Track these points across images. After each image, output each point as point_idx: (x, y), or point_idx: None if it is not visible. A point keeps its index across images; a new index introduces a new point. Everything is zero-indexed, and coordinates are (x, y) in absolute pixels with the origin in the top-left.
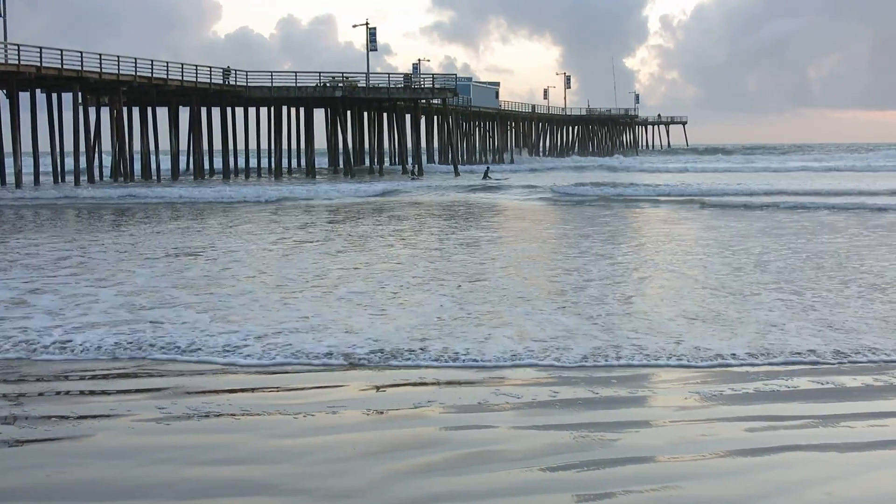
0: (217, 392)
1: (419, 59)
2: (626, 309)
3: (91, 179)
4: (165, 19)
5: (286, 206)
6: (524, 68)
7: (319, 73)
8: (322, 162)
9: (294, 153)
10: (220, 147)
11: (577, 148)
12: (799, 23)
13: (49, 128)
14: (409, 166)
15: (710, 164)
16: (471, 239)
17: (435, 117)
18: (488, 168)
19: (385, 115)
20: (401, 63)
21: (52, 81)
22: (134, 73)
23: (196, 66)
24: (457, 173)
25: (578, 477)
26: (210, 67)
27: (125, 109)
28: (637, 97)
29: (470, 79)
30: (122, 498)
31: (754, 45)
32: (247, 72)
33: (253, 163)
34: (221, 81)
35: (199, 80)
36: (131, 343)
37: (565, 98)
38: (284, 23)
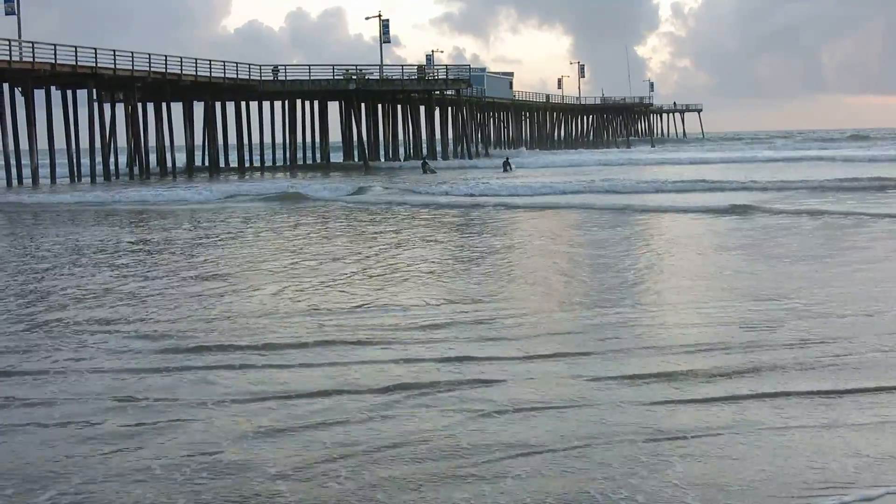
0: None
1: (432, 51)
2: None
3: (107, 177)
4: (175, 15)
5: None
6: (534, 58)
7: (333, 66)
8: (337, 156)
9: (309, 147)
10: (234, 142)
11: (592, 137)
12: (811, 8)
13: (64, 125)
14: (423, 158)
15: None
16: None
17: (449, 108)
18: (506, 159)
19: (399, 107)
20: (410, 55)
21: (67, 78)
22: (148, 69)
23: (210, 60)
24: (470, 156)
25: None
26: (224, 62)
27: (140, 105)
28: (652, 85)
29: (484, 69)
30: None
31: (766, 31)
32: (260, 66)
33: (269, 157)
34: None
35: (213, 74)
36: None
37: (579, 87)
38: (294, 16)
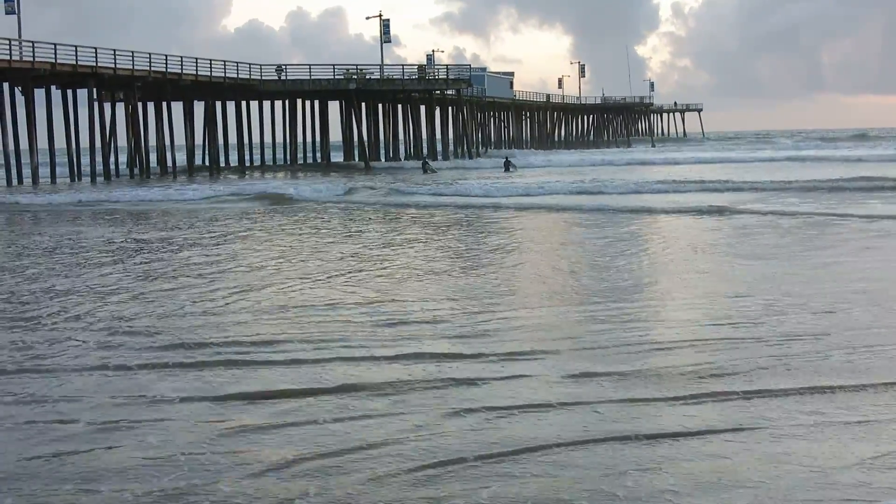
0: None
1: (433, 51)
2: None
3: (107, 177)
4: (175, 14)
5: None
6: (534, 58)
7: (334, 65)
8: (338, 155)
9: (309, 146)
10: (235, 141)
11: (592, 137)
12: (811, 8)
13: (64, 124)
14: (423, 158)
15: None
16: None
17: (449, 108)
18: (507, 159)
19: (400, 106)
20: (410, 54)
21: (67, 78)
22: (148, 69)
23: (210, 60)
24: (471, 156)
25: None
26: (224, 62)
27: (140, 105)
28: (652, 85)
29: (484, 69)
30: None
31: (767, 31)
32: (261, 65)
33: (269, 157)
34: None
35: (213, 74)
36: None
37: (580, 87)
38: (294, 15)
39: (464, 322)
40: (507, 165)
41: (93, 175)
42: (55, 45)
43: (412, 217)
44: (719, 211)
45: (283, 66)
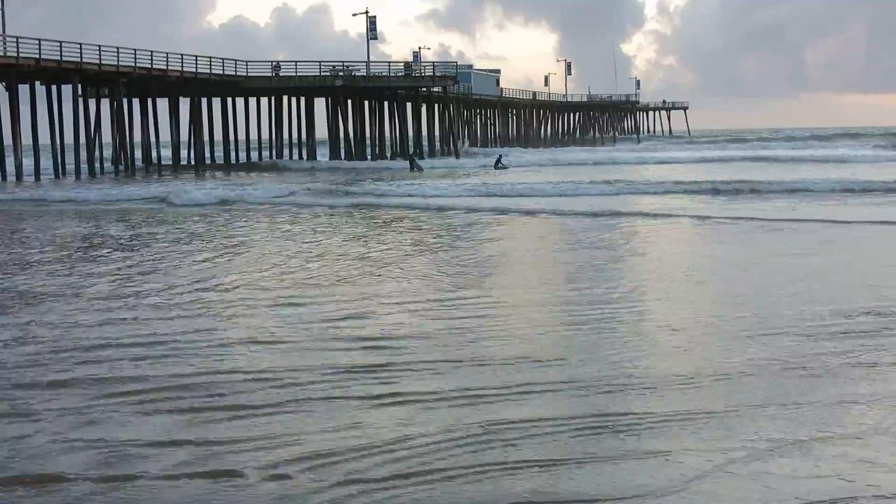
0: None
1: (419, 48)
2: None
3: (92, 173)
4: (160, 10)
5: None
6: (520, 55)
7: (320, 62)
8: (324, 152)
9: (296, 144)
10: (221, 138)
11: (578, 134)
12: (796, 6)
13: (49, 120)
14: (410, 155)
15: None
16: None
17: (436, 105)
18: (500, 157)
19: (386, 104)
20: (396, 52)
21: (52, 74)
22: (133, 65)
23: (196, 56)
24: (457, 156)
25: None
26: (210, 58)
27: (125, 101)
28: (638, 83)
29: (471, 66)
30: None
31: (752, 29)
32: (247, 62)
33: (255, 154)
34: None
35: (198, 70)
36: None
37: (566, 85)
38: (279, 12)
39: (332, 308)
40: (498, 163)
41: (77, 172)
42: (39, 40)
43: (359, 218)
44: (616, 214)
45: (278, 63)
